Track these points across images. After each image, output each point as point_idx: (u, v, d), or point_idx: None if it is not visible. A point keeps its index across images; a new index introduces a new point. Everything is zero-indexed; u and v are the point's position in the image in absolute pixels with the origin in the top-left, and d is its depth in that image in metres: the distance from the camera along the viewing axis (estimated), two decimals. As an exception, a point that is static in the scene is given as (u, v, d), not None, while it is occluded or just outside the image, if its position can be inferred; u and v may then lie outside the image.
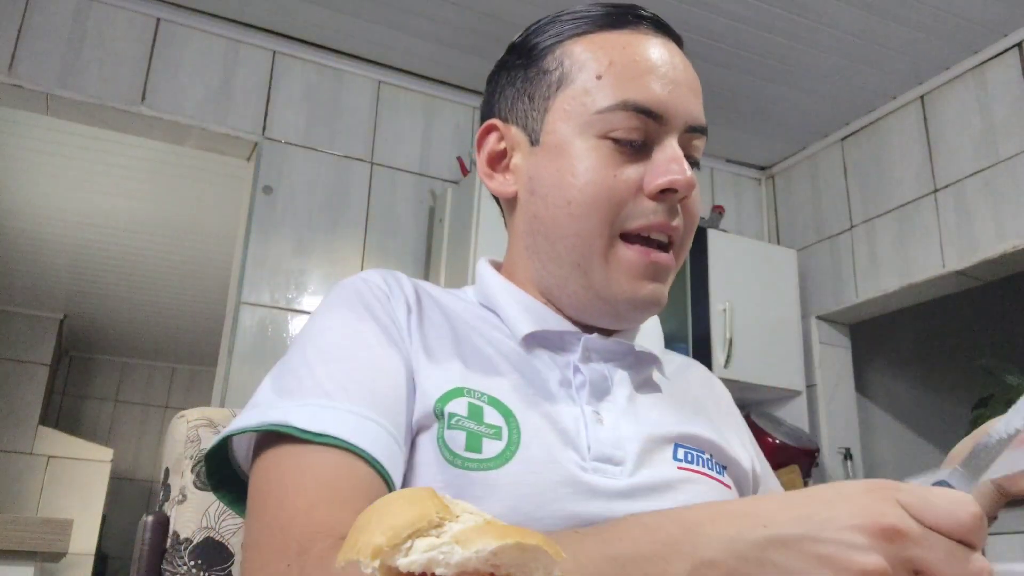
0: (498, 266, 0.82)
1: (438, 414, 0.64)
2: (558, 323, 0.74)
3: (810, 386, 3.23)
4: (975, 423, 3.14)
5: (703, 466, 0.72)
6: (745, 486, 0.78)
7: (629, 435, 0.69)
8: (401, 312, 0.71)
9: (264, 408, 0.61)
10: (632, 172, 0.69)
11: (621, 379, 0.74)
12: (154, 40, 2.72)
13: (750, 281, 3.05)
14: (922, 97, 3.06)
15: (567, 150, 0.71)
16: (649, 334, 0.80)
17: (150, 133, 2.79)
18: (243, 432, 0.61)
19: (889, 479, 0.47)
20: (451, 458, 0.62)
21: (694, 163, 0.73)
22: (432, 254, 2.87)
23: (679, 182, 0.68)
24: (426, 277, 2.85)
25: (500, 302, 0.75)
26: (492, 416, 0.65)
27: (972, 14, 2.67)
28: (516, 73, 0.78)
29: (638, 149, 0.70)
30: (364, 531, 0.30)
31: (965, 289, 3.03)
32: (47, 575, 4.62)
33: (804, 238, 3.45)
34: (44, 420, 5.46)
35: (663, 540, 0.48)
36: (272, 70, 2.88)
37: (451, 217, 2.79)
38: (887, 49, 2.85)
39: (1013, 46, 2.77)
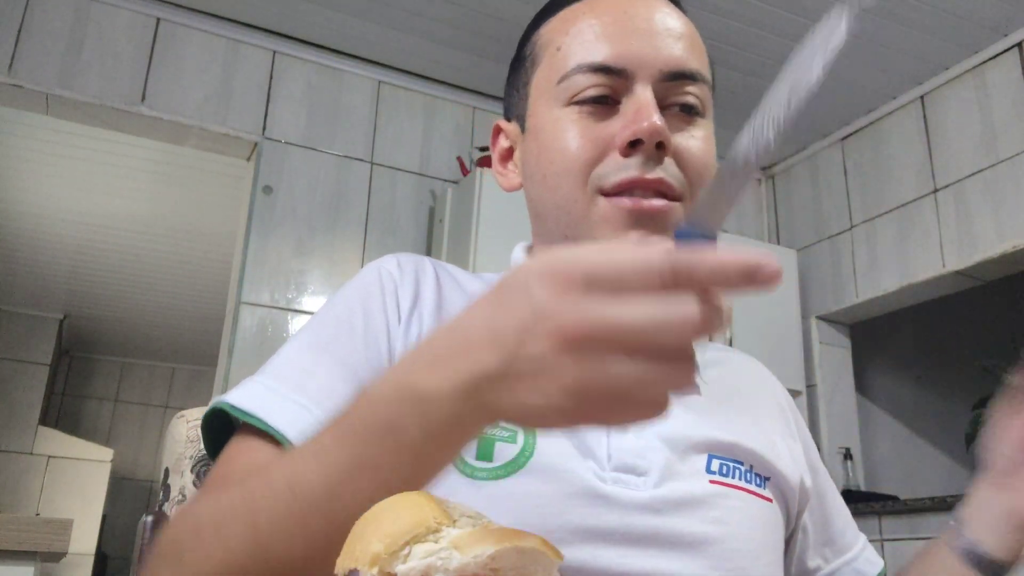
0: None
1: None
2: None
3: (810, 386, 3.23)
4: (975, 423, 3.14)
5: (740, 479, 0.67)
6: (791, 501, 0.72)
7: (655, 443, 0.65)
8: (406, 301, 0.69)
9: (236, 387, 0.64)
10: (600, 130, 0.66)
11: None
12: (154, 40, 2.72)
13: (750, 281, 3.05)
14: (922, 97, 3.06)
15: (541, 127, 0.70)
16: None
17: (150, 133, 2.79)
18: (210, 411, 0.63)
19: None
20: (460, 465, 0.61)
21: (689, 109, 0.68)
22: (432, 254, 2.87)
23: (642, 130, 0.63)
24: (426, 277, 2.85)
25: None
26: None
27: (972, 14, 2.67)
28: (511, 71, 0.78)
29: (607, 108, 0.67)
30: (361, 538, 0.30)
31: (965, 289, 3.03)
32: (47, 575, 4.62)
33: (804, 238, 3.45)
34: (44, 420, 5.46)
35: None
36: (272, 70, 2.88)
37: (451, 217, 2.79)
38: (887, 49, 2.84)
39: (1013, 46, 2.77)
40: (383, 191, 2.94)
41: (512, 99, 0.77)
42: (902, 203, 3.06)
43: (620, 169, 0.65)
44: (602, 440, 0.64)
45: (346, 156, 2.91)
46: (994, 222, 2.73)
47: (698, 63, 0.69)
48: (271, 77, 2.87)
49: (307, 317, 2.69)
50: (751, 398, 0.77)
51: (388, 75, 3.04)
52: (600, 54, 0.67)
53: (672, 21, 0.69)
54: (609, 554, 0.60)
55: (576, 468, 0.62)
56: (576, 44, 0.68)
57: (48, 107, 2.63)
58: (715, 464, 0.67)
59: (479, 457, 0.61)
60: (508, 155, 0.77)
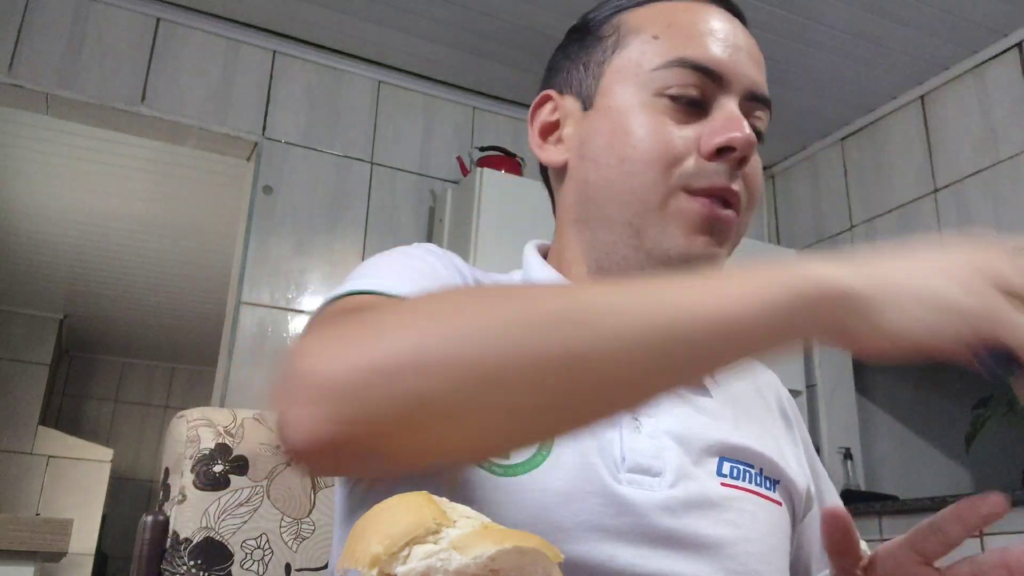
0: (546, 251, 0.79)
1: None
2: None
3: (810, 386, 3.23)
4: (975, 423, 3.14)
5: (750, 482, 0.68)
6: (798, 505, 0.74)
7: (668, 444, 0.65)
8: (458, 276, 0.69)
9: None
10: (689, 130, 0.67)
11: None
12: (154, 40, 2.72)
13: (750, 281, 3.05)
14: (922, 97, 3.05)
15: (621, 109, 0.69)
16: None
17: (150, 133, 2.79)
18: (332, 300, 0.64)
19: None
20: None
21: (757, 134, 0.70)
22: (432, 254, 2.87)
23: (737, 139, 0.65)
24: (426, 277, 2.85)
25: None
26: None
27: (972, 14, 2.67)
28: (572, 47, 0.77)
29: (696, 108, 0.67)
30: (361, 540, 0.30)
31: (965, 289, 3.02)
32: (47, 575, 4.62)
33: (804, 238, 3.45)
34: (44, 420, 5.46)
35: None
36: (272, 70, 2.88)
37: (451, 217, 2.79)
38: (887, 49, 2.84)
39: (1013, 46, 2.77)
40: (383, 191, 2.94)
41: (573, 74, 0.74)
42: (902, 203, 3.06)
43: (711, 174, 0.66)
44: (615, 441, 0.64)
45: (346, 156, 2.91)
46: (994, 222, 2.74)
47: (766, 89, 0.72)
48: (271, 77, 2.87)
49: (307, 317, 2.69)
50: (757, 404, 0.77)
51: (388, 75, 3.04)
52: (704, 54, 0.68)
53: (755, 46, 0.72)
54: (626, 554, 0.60)
55: (592, 467, 0.62)
56: (679, 38, 0.69)
57: (48, 107, 2.63)
58: (726, 467, 0.67)
59: None
60: (551, 129, 0.76)
